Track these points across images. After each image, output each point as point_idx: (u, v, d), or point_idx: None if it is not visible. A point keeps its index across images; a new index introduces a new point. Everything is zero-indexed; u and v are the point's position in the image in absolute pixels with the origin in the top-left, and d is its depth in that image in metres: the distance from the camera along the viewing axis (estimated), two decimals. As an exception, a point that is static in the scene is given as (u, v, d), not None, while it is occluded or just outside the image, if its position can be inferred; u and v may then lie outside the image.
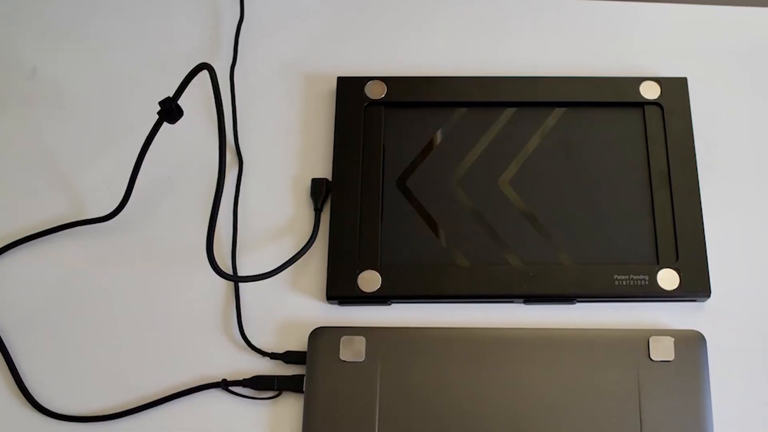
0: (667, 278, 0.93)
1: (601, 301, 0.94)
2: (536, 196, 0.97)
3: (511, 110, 1.00)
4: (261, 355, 0.92)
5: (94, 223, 0.96)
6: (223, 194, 0.86)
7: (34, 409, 0.90)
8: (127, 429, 0.90)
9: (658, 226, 0.95)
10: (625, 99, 1.00)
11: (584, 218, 0.96)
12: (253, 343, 0.92)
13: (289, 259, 0.92)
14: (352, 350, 0.89)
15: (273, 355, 0.91)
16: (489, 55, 1.06)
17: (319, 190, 0.97)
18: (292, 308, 0.94)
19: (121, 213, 0.96)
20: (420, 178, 0.97)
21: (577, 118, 1.00)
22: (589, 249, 0.94)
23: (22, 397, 0.91)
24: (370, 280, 0.93)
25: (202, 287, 0.95)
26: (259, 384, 0.90)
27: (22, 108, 1.04)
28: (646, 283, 0.92)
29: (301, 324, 0.93)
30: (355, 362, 0.89)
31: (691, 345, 0.90)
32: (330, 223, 0.95)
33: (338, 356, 0.89)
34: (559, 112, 1.00)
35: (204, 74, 0.84)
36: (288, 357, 0.91)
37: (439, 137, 0.99)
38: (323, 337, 0.90)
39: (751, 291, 0.95)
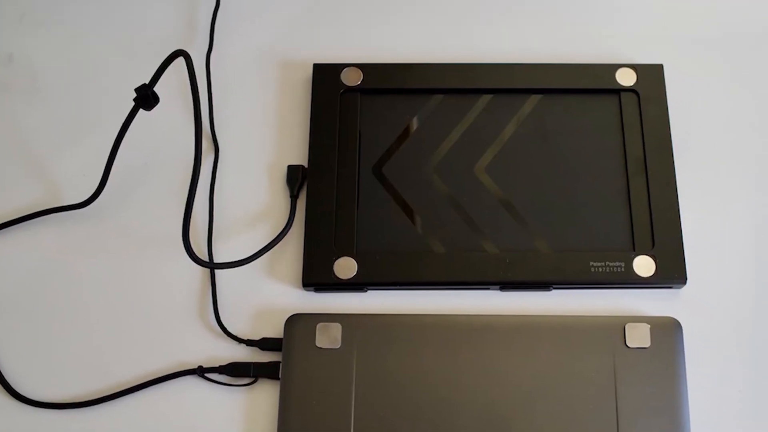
0: (643, 265, 0.93)
1: (578, 287, 0.94)
2: (512, 183, 0.96)
3: (487, 97, 1.00)
4: (237, 342, 0.92)
5: (70, 210, 0.96)
6: (199, 181, 0.86)
7: (11, 396, 0.90)
8: (103, 416, 0.90)
9: (634, 212, 0.95)
10: (601, 86, 1.00)
11: (560, 205, 0.96)
12: (229, 329, 0.92)
13: (265, 246, 0.92)
14: (328, 337, 0.89)
15: (249, 342, 0.91)
16: (465, 42, 1.06)
17: (295, 177, 0.97)
18: (268, 295, 0.94)
19: (97, 200, 0.96)
20: (396, 165, 0.97)
21: (553, 105, 1.00)
22: (565, 236, 0.94)
23: (-2, 384, 0.91)
24: (346, 267, 0.93)
25: (178, 274, 0.95)
26: (235, 371, 0.90)
27: (-2, 95, 1.04)
28: (622, 269, 0.93)
29: (277, 311, 0.93)
30: (331, 349, 0.89)
31: (667, 332, 0.90)
32: (306, 209, 0.95)
33: (314, 343, 0.89)
34: (535, 98, 1.00)
35: (180, 61, 0.84)
36: (264, 344, 0.91)
37: (415, 124, 0.99)
38: (299, 323, 0.90)
39: (727, 278, 0.95)
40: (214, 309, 0.93)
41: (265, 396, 0.90)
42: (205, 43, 1.05)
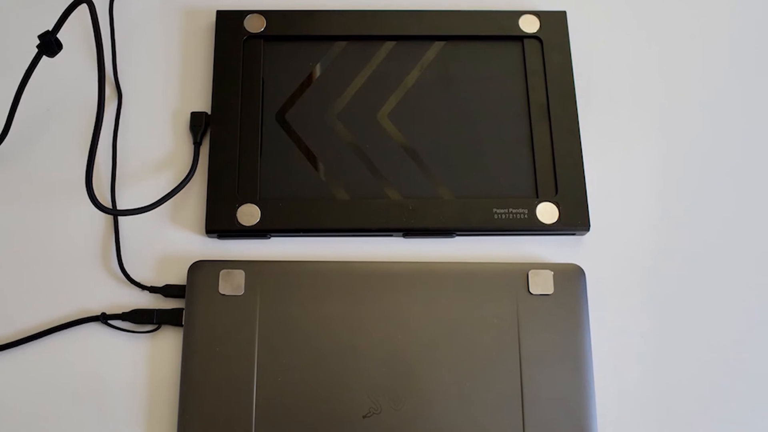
0: (547, 212, 0.93)
1: (481, 234, 0.95)
2: (416, 129, 0.97)
3: (390, 44, 1.00)
4: (140, 289, 0.92)
5: (-27, 157, 0.96)
6: (103, 128, 0.85)
7: None
8: (5, 363, 0.90)
9: (537, 159, 0.95)
10: (504, 33, 1.00)
11: (464, 152, 0.96)
12: (133, 276, 0.92)
13: (168, 193, 0.92)
14: (231, 284, 0.89)
15: (152, 289, 0.91)
16: (369, -11, 1.06)
17: (198, 124, 0.97)
18: (172, 242, 0.94)
19: (0, 147, 0.95)
20: (299, 112, 0.97)
21: (456, 52, 1.00)
22: (469, 183, 0.95)
23: None
24: (249, 214, 0.93)
25: (81, 221, 0.94)
26: (138, 318, 0.90)
27: None
28: (526, 216, 0.93)
29: (181, 258, 0.93)
30: (235, 296, 0.89)
31: (570, 278, 0.91)
32: (209, 156, 0.95)
33: (217, 289, 0.89)
34: (438, 45, 1.00)
35: (83, 8, 0.84)
36: (167, 290, 0.91)
37: (318, 71, 0.99)
38: (202, 270, 0.90)
39: (629, 225, 0.96)
40: (118, 256, 0.93)
41: (168, 342, 0.91)
42: (109, -10, 1.05)
